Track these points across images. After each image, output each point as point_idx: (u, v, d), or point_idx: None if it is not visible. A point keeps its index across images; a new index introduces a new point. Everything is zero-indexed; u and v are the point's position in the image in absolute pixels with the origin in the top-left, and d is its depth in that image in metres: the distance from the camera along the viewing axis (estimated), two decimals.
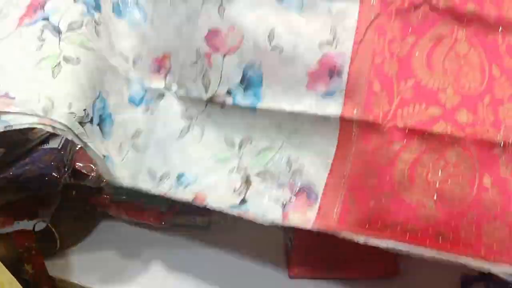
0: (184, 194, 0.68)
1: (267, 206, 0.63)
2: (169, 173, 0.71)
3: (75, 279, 0.75)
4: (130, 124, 0.73)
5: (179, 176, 0.70)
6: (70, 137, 0.61)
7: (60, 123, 0.59)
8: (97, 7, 0.72)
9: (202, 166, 0.69)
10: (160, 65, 0.76)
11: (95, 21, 0.70)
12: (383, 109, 0.60)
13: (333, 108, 0.62)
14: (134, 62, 0.76)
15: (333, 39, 0.63)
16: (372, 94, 0.61)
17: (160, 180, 0.70)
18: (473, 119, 0.57)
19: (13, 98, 0.61)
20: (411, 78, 0.60)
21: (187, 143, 0.72)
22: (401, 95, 0.60)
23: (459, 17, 0.60)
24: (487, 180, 0.55)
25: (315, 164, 0.63)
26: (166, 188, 0.69)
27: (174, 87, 0.75)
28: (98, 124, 0.68)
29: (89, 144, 0.62)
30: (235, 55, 0.67)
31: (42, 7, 0.69)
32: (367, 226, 0.58)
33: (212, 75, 0.70)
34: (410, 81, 0.60)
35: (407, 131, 0.58)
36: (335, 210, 0.60)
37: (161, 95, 0.75)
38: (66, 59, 0.65)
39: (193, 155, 0.71)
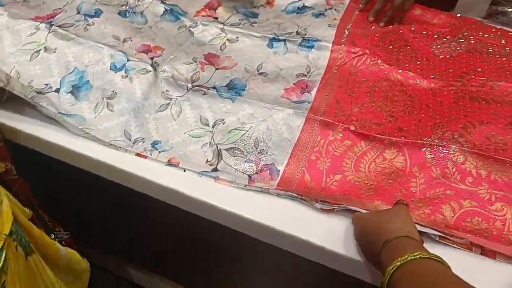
0: (158, 157, 0.75)
1: (235, 175, 0.73)
2: (144, 138, 0.78)
3: None
4: (108, 86, 0.83)
5: (155, 143, 0.77)
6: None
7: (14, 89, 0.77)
8: (97, 14, 0.94)
9: (177, 139, 0.78)
10: (149, 49, 0.88)
11: (87, 24, 0.91)
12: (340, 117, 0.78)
13: (301, 110, 0.79)
14: (124, 41, 0.87)
15: (308, 73, 0.85)
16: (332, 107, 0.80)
17: (135, 142, 0.77)
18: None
19: None
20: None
21: (164, 117, 0.80)
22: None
23: None
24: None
25: (278, 147, 0.76)
26: (140, 149, 0.76)
27: (161, 69, 0.85)
28: (70, 92, 0.82)
29: (40, 103, 0.78)
30: (227, 71, 0.87)
31: (53, 17, 0.92)
32: (320, 192, 0.71)
33: (202, 76, 0.86)
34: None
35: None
36: (294, 183, 0.72)
37: (145, 70, 0.84)
38: (46, 49, 0.86)
39: (170, 128, 0.79)
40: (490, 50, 0.90)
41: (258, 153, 0.75)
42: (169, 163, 0.74)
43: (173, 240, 0.98)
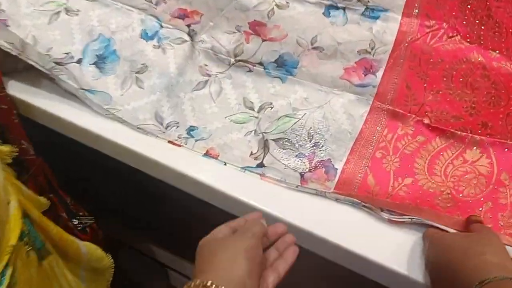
0: (194, 147, 0.64)
1: (285, 172, 0.62)
2: (179, 123, 0.66)
3: None
4: (138, 57, 0.71)
5: (190, 129, 0.66)
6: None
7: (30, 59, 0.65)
8: None
9: (216, 124, 0.66)
10: (186, 15, 0.75)
11: None
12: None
13: (364, 96, 0.66)
14: (157, 3, 0.76)
15: (372, 49, 0.71)
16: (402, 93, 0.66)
17: (168, 127, 0.66)
18: None
19: (8, 26, 0.71)
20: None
21: (202, 97, 0.69)
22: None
23: None
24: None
25: (337, 140, 0.64)
26: (174, 136, 0.65)
27: (199, 39, 0.72)
28: (94, 63, 0.70)
29: (60, 77, 0.66)
30: (275, 44, 0.72)
31: None
32: (387, 199, 0.59)
33: (246, 49, 0.72)
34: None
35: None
36: (355, 186, 0.61)
37: (180, 40, 0.72)
38: (67, 10, 0.75)
39: (208, 111, 0.68)
40: None
41: (313, 146, 0.64)
42: (207, 155, 0.63)
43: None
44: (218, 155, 0.63)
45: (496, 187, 0.59)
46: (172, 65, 0.70)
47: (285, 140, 0.64)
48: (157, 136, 0.64)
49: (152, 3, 0.76)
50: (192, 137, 0.65)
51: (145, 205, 0.95)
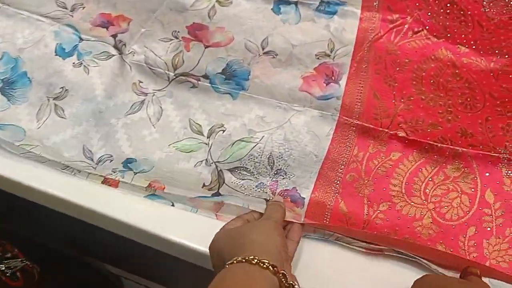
0: (133, 180, 0.53)
1: (246, 200, 0.53)
2: (112, 156, 0.55)
3: None
4: (55, 80, 0.59)
5: (128, 161, 0.55)
6: None
7: None
8: None
9: (159, 155, 0.56)
10: (110, 21, 0.63)
11: None
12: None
13: (329, 111, 0.58)
14: (73, 9, 0.64)
15: (331, 51, 0.63)
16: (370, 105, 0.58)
17: (100, 162, 0.55)
18: None
19: None
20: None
21: (139, 122, 0.58)
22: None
23: None
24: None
25: (301, 165, 0.55)
26: (108, 170, 0.54)
27: (129, 50, 0.61)
28: (0, 90, 0.58)
29: None
30: (221, 50, 0.63)
31: None
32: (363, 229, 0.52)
33: (187, 58, 0.62)
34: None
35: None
36: (326, 214, 0.53)
37: (106, 54, 0.60)
38: None
39: (147, 138, 0.57)
40: None
41: (275, 174, 0.55)
42: (151, 187, 0.53)
43: None
44: (164, 188, 0.53)
45: (480, 208, 0.53)
46: (98, 86, 0.58)
47: (242, 169, 0.55)
48: (88, 174, 0.53)
49: (67, 9, 0.63)
50: (130, 169, 0.54)
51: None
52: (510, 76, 0.63)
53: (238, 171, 0.55)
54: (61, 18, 0.62)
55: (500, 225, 0.52)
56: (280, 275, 0.39)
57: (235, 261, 0.39)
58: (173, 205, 0.53)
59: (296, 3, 0.68)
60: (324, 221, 0.52)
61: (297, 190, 0.54)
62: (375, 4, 0.68)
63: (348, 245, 0.51)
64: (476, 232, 0.52)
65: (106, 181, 0.54)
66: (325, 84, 0.60)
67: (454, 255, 0.50)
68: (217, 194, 0.54)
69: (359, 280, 0.49)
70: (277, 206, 0.51)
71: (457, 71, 0.63)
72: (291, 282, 0.39)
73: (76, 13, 0.63)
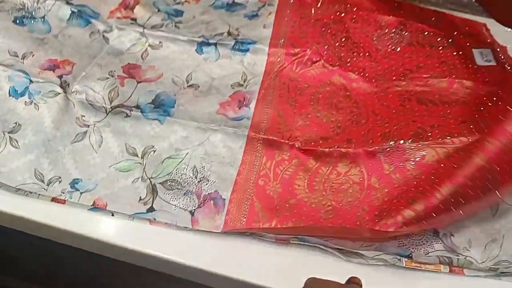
0: (80, 199, 0.63)
1: (175, 213, 0.63)
2: (61, 177, 0.65)
3: None
4: (9, 117, 0.69)
5: (75, 182, 0.65)
6: None
7: None
8: None
9: (101, 175, 0.66)
10: (56, 65, 0.75)
11: None
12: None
13: (240, 129, 0.70)
14: (24, 57, 0.75)
15: (244, 82, 0.76)
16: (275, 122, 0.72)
17: (50, 183, 0.65)
18: None
19: None
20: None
21: (83, 149, 0.68)
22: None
23: None
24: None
25: (221, 173, 0.67)
26: (58, 192, 0.64)
27: (72, 90, 0.72)
28: None
29: None
30: (151, 84, 0.76)
31: None
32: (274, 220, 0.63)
33: (122, 92, 0.74)
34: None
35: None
36: (243, 215, 0.64)
37: (53, 93, 0.72)
38: None
39: (91, 162, 0.67)
40: (433, 42, 0.85)
41: (199, 181, 0.66)
42: (94, 206, 0.63)
43: None
44: (106, 205, 0.63)
45: (368, 191, 0.65)
46: (47, 119, 0.69)
47: (171, 181, 0.66)
48: (39, 194, 0.63)
49: (18, 57, 0.74)
50: (77, 190, 0.64)
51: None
52: (390, 95, 0.77)
53: (169, 183, 0.66)
54: (13, 65, 0.73)
55: (386, 199, 0.64)
56: None
57: None
58: (112, 215, 0.63)
59: (215, 44, 0.82)
60: (242, 217, 0.63)
61: (218, 192, 0.66)
62: (280, 41, 0.82)
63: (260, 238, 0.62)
64: (367, 210, 0.63)
65: (54, 200, 0.63)
66: (238, 108, 0.73)
67: (350, 228, 0.61)
68: (151, 209, 0.63)
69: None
70: None
71: (347, 94, 0.78)
72: None
73: (26, 60, 0.74)
